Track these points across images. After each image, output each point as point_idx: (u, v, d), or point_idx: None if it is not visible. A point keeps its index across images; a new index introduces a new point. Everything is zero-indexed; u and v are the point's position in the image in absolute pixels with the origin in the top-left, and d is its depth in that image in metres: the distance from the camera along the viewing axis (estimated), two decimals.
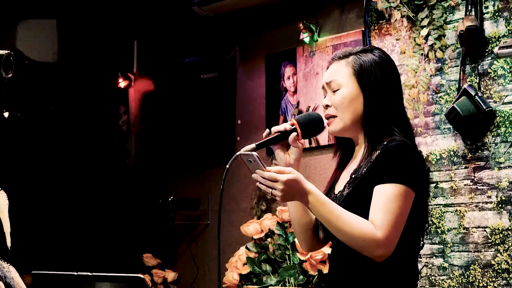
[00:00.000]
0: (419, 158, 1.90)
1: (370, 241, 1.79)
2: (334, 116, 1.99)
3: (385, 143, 1.91)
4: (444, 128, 3.66)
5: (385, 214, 1.80)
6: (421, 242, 1.97)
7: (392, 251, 1.82)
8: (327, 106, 2.01)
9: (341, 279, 1.95)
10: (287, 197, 1.84)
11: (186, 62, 5.05)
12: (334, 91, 1.99)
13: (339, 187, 2.01)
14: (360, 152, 2.00)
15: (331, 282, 1.99)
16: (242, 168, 4.72)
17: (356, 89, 1.96)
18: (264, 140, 1.96)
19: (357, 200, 1.88)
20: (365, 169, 1.91)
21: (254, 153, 1.81)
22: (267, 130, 1.99)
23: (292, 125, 1.97)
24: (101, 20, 5.10)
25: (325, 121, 2.04)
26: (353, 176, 1.95)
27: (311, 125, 2.00)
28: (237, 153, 1.85)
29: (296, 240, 3.75)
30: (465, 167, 3.56)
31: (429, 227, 3.60)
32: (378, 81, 1.96)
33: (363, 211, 1.84)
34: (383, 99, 1.95)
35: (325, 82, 2.02)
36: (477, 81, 3.51)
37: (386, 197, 1.82)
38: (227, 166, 1.87)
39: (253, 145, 1.91)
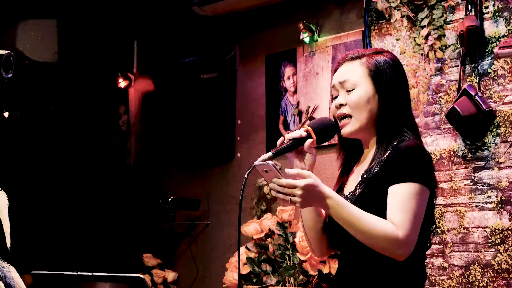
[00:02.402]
0: (429, 158, 1.92)
1: (392, 241, 1.80)
2: (348, 116, 1.99)
3: (396, 143, 1.93)
4: (444, 128, 3.66)
5: (403, 213, 1.81)
6: (428, 243, 1.98)
7: (412, 249, 1.83)
8: (340, 105, 2.00)
9: (350, 280, 1.95)
10: (307, 203, 1.83)
11: (186, 62, 5.05)
12: (349, 91, 1.99)
13: (349, 188, 2.02)
14: (370, 152, 2.01)
15: (340, 282, 1.99)
16: (242, 168, 4.73)
17: (371, 89, 1.97)
18: (281, 148, 1.94)
19: (370, 200, 1.89)
20: (376, 168, 1.92)
21: (270, 162, 1.78)
22: (282, 138, 1.97)
23: (307, 132, 1.96)
24: (101, 20, 5.10)
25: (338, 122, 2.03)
26: (364, 176, 1.95)
27: (326, 130, 1.99)
28: (254, 163, 1.82)
29: (296, 240, 3.75)
30: (465, 167, 3.56)
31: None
32: (393, 82, 1.97)
33: (376, 211, 1.85)
34: (396, 99, 1.97)
35: (338, 82, 2.01)
36: (477, 81, 3.51)
37: (402, 197, 1.83)
38: (246, 176, 1.85)
39: (270, 154, 1.89)
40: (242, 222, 4.16)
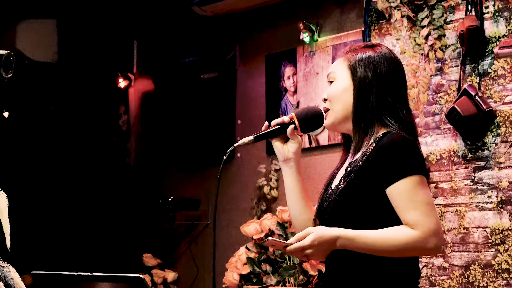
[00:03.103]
0: (416, 147, 1.90)
1: (417, 243, 1.80)
2: (329, 109, 2.01)
3: (381, 135, 1.91)
4: (444, 128, 3.66)
5: (414, 209, 1.81)
6: None
7: (442, 235, 1.84)
8: (325, 100, 2.04)
9: (341, 279, 1.93)
10: (323, 253, 1.87)
11: (186, 62, 5.05)
12: (331, 83, 2.02)
13: (335, 181, 2.01)
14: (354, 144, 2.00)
15: (330, 282, 1.98)
16: (242, 168, 4.72)
17: (348, 81, 1.98)
18: (263, 132, 1.99)
19: (352, 194, 1.89)
20: (360, 162, 1.91)
21: (270, 238, 1.85)
22: (266, 123, 2.01)
23: (291, 118, 1.99)
24: (101, 20, 5.10)
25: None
26: (348, 169, 1.95)
27: (310, 118, 2.01)
28: (267, 240, 1.88)
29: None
30: (465, 167, 3.56)
31: None
32: (370, 72, 1.95)
33: (357, 206, 1.86)
34: (372, 89, 1.94)
35: (327, 75, 2.06)
36: (477, 81, 3.51)
37: (406, 195, 1.82)
38: (224, 157, 1.90)
39: (251, 137, 1.96)
40: (242, 222, 4.17)
